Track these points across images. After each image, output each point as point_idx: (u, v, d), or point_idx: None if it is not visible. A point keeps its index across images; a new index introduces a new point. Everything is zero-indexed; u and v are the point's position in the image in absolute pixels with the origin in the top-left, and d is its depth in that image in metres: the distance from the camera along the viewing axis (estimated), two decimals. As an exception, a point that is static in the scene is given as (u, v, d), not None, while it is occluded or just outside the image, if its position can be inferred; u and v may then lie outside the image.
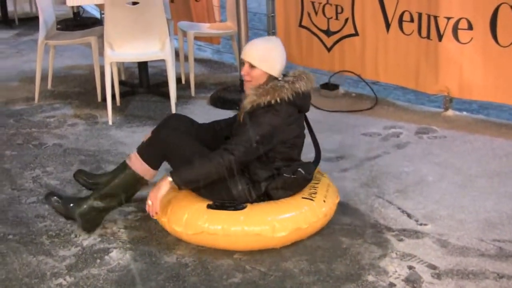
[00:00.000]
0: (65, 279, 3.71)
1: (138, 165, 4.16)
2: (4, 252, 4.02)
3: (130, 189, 4.24)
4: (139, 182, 4.22)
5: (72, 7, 10.03)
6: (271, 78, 4.01)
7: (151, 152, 4.14)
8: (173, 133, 4.10)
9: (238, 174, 3.91)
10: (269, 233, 3.82)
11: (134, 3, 6.07)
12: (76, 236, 4.13)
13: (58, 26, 7.96)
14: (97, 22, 10.00)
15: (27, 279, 3.74)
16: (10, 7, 10.94)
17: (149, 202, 3.88)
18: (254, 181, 3.98)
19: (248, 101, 3.95)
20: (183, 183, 3.87)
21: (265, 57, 4.00)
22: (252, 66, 3.99)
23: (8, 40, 9.84)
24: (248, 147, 3.86)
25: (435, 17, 5.71)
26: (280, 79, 4.03)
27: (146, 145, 4.18)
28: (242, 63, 4.08)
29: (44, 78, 6.98)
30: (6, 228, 4.31)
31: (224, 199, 3.93)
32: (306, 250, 3.93)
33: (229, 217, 3.85)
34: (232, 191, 3.92)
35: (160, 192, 3.85)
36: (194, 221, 3.87)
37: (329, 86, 6.73)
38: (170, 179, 3.84)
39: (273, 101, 3.89)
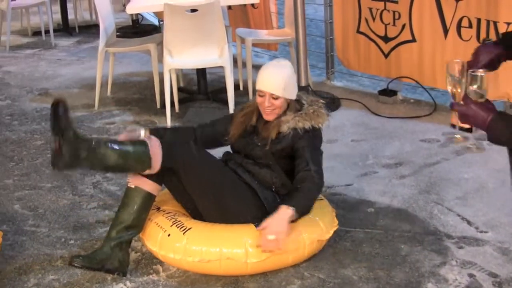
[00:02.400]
0: (125, 284, 3.76)
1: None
2: (66, 256, 4.08)
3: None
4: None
5: (131, 14, 10.16)
6: (291, 102, 3.96)
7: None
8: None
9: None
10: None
11: (193, 11, 6.12)
12: (136, 241, 4.17)
13: (118, 34, 8.06)
14: (155, 29, 10.10)
15: (88, 283, 3.79)
16: (70, 15, 11.11)
17: (270, 237, 3.60)
18: (280, 195, 3.98)
19: (288, 126, 3.88)
20: (302, 213, 3.79)
21: (286, 85, 3.88)
22: (274, 97, 3.88)
23: (69, 47, 10.01)
24: (321, 168, 3.90)
25: (495, 23, 5.64)
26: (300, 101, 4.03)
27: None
28: (260, 94, 3.91)
29: (103, 85, 7.08)
30: (68, 233, 4.38)
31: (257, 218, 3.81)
32: (365, 257, 3.92)
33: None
34: (267, 209, 3.87)
35: (287, 226, 3.64)
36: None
37: (387, 92, 6.69)
38: (291, 210, 3.64)
39: (317, 126, 3.93)
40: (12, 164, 5.57)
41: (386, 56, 6.69)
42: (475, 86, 2.54)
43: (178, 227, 3.81)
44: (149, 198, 3.89)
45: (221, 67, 6.22)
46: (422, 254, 3.91)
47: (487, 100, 2.57)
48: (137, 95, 7.35)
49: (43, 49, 9.94)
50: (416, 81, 6.51)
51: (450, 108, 2.66)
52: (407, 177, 4.94)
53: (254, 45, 7.43)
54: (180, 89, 7.02)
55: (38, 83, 8.03)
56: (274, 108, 3.90)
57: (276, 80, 3.87)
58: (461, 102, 2.58)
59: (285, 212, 3.64)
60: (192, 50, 6.18)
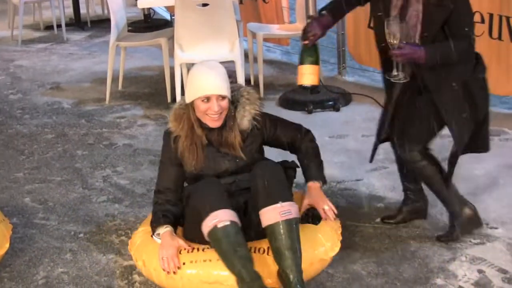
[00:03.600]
0: (133, 278, 3.77)
1: None
2: (75, 250, 4.11)
3: None
4: None
5: (143, 9, 10.13)
6: (228, 99, 3.62)
7: None
8: None
9: None
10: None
11: (204, 5, 6.11)
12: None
13: (129, 28, 8.04)
14: (167, 24, 10.07)
15: (97, 277, 3.81)
16: (83, 10, 11.11)
17: (325, 207, 3.61)
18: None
19: (247, 119, 3.65)
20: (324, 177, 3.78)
21: (227, 83, 3.59)
22: (222, 98, 3.53)
23: (81, 42, 10.01)
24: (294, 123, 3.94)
25: (507, 18, 5.61)
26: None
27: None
28: (204, 100, 3.52)
29: (115, 79, 7.09)
30: (77, 227, 4.39)
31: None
32: (374, 252, 3.91)
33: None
34: None
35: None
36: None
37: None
38: (318, 184, 3.70)
39: (261, 109, 3.76)
40: (23, 158, 5.59)
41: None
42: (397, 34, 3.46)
43: None
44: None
45: (232, 61, 6.19)
46: (432, 250, 3.90)
47: None
48: (148, 89, 7.35)
49: (55, 43, 9.95)
50: (428, 77, 6.49)
51: (391, 55, 3.51)
52: (418, 173, 4.92)
53: (265, 40, 7.42)
54: (191, 84, 7.01)
55: (49, 77, 8.04)
56: (222, 111, 3.55)
57: (220, 80, 3.55)
58: (396, 49, 3.48)
59: (317, 187, 3.67)
60: (203, 44, 6.18)
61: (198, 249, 3.44)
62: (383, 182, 4.78)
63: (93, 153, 5.60)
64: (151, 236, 3.57)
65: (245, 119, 3.65)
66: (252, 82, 7.27)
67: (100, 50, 9.16)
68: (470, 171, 4.87)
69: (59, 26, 10.23)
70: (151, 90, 7.31)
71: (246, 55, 7.17)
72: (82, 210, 4.62)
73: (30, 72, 8.37)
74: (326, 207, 3.59)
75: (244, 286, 3.27)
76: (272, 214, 3.37)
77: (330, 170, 4.70)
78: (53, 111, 6.75)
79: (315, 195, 3.66)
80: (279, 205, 3.38)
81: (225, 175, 3.64)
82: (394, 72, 3.62)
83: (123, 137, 5.94)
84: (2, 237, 3.87)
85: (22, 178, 5.19)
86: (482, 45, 5.88)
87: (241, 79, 6.16)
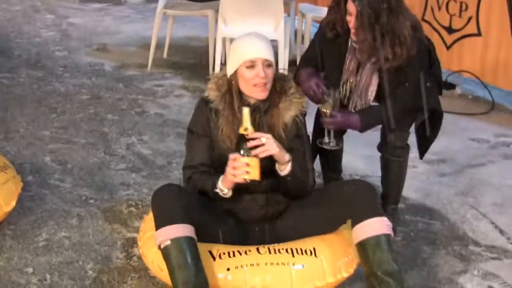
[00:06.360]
0: (133, 251, 3.69)
1: None
2: (82, 215, 4.05)
3: None
4: None
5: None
6: (275, 77, 3.33)
7: None
8: None
9: None
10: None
11: (252, -19, 6.01)
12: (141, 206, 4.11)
13: (182, -4, 7.96)
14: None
15: (98, 246, 3.75)
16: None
17: (263, 139, 3.09)
18: None
19: (290, 115, 3.32)
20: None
21: (272, 50, 3.29)
22: (268, 65, 3.23)
23: (137, 5, 9.94)
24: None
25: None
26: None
27: None
28: (251, 66, 3.21)
29: (161, 46, 7.00)
30: (90, 192, 4.33)
31: None
32: (384, 254, 3.75)
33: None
34: None
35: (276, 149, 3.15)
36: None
37: (446, 85, 6.43)
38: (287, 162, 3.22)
39: (306, 110, 3.42)
40: (53, 116, 5.55)
41: (448, 47, 6.44)
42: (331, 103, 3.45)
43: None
44: (194, 244, 3.11)
45: (276, 41, 6.03)
46: (444, 259, 3.73)
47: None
48: (192, 60, 7.25)
49: (112, 4, 9.90)
50: (477, 77, 6.27)
51: (323, 123, 3.48)
52: (447, 176, 4.74)
53: (315, 21, 7.25)
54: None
55: (98, 38, 8.00)
56: (267, 82, 3.23)
57: (264, 44, 3.26)
58: (328, 117, 3.44)
59: (285, 155, 3.20)
60: (247, 20, 6.04)
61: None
62: (409, 182, 4.50)
63: (123, 119, 5.53)
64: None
65: (288, 114, 3.33)
66: (297, 63, 7.11)
67: (154, 16, 9.01)
68: (502, 180, 4.69)
69: (119, -13, 10.19)
70: (196, 61, 7.20)
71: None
72: (98, 176, 4.55)
73: (81, 30, 8.34)
74: (264, 140, 3.08)
75: None
76: (379, 225, 3.14)
77: (354, 162, 4.57)
78: (93, 72, 6.71)
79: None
80: (385, 218, 3.19)
81: None
82: (326, 139, 3.57)
83: (156, 106, 5.86)
84: (10, 194, 3.82)
85: (47, 137, 5.14)
86: None
87: (283, 59, 6.02)
